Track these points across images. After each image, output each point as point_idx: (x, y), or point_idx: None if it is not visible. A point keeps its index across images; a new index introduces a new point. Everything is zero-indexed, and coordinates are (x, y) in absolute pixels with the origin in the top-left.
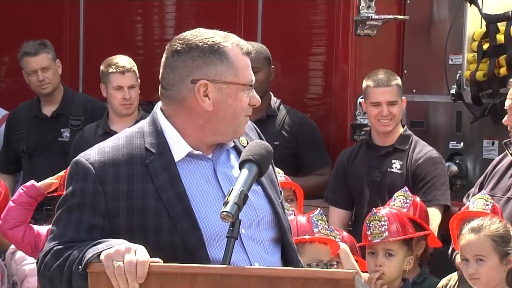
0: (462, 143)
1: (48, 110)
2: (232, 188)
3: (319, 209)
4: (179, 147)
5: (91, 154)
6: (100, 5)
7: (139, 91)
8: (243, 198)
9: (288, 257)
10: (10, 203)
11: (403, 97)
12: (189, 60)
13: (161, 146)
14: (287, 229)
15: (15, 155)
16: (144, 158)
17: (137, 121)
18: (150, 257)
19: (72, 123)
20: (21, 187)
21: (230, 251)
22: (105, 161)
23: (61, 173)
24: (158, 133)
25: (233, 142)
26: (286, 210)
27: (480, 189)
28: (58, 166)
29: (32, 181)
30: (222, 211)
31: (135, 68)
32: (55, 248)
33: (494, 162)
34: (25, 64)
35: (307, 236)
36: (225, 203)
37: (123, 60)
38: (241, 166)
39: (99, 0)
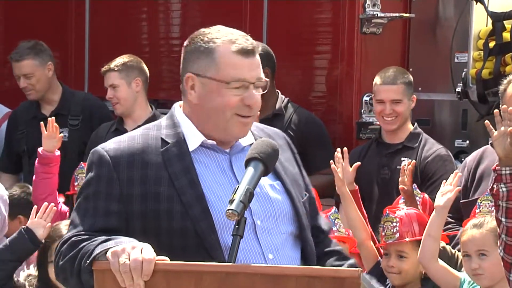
0: (467, 141)
1: (47, 110)
2: (238, 186)
3: (334, 207)
4: (193, 138)
5: (107, 144)
6: (105, 4)
7: (132, 89)
8: (249, 196)
9: (306, 255)
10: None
11: (413, 96)
12: (187, 54)
13: (177, 137)
14: (306, 227)
15: (17, 155)
16: (159, 147)
17: (148, 119)
18: (159, 253)
19: (70, 122)
20: None
21: (235, 249)
22: (120, 149)
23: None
24: (174, 125)
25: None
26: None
27: (464, 196)
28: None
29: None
30: (228, 209)
31: (126, 65)
32: (72, 238)
33: (470, 166)
34: (13, 68)
35: None
36: (231, 201)
37: (116, 60)
38: (246, 164)
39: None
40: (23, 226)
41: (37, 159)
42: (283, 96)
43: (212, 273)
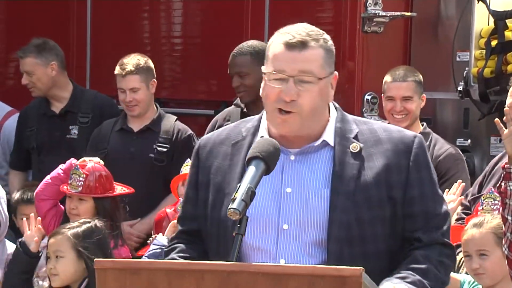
0: (469, 140)
1: (56, 107)
2: (240, 185)
3: None
4: (261, 133)
5: (207, 134)
6: (107, 3)
7: (149, 91)
8: (250, 195)
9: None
10: (47, 179)
11: (423, 95)
12: None
13: (252, 130)
14: (338, 239)
15: (26, 152)
16: (235, 139)
17: (153, 120)
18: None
19: (80, 120)
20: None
21: (237, 247)
22: (208, 139)
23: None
24: (258, 119)
25: (327, 141)
26: None
27: (479, 189)
28: (64, 161)
29: (72, 159)
30: (229, 208)
31: (143, 68)
32: (168, 246)
33: (493, 161)
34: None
35: None
36: (233, 200)
37: (131, 61)
38: (248, 163)
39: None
40: (20, 239)
41: (66, 165)
42: None
43: (213, 272)
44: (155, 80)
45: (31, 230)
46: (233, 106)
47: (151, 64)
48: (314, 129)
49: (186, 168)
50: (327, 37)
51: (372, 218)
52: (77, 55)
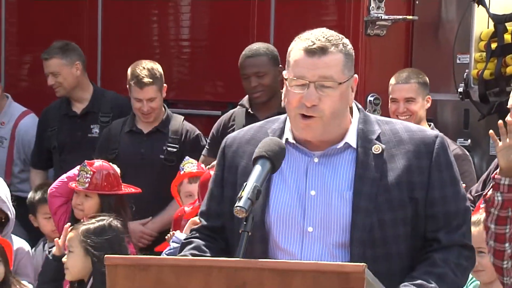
0: (469, 140)
1: (77, 108)
2: (246, 184)
3: None
4: (286, 135)
5: (235, 131)
6: (117, 5)
7: (162, 97)
8: (256, 193)
9: None
10: (63, 177)
11: (428, 96)
12: None
13: (277, 132)
14: (360, 241)
15: (47, 151)
16: (261, 140)
17: (162, 121)
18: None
19: (101, 119)
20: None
21: (244, 244)
22: (234, 138)
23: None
24: (283, 121)
25: (350, 143)
26: None
27: (483, 186)
28: (83, 160)
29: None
30: (236, 206)
31: (158, 77)
32: (186, 239)
33: (496, 160)
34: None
35: None
36: (239, 199)
37: (146, 72)
38: (254, 162)
39: (116, 0)
40: (49, 249)
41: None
42: None
43: (221, 268)
44: (165, 85)
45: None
46: (238, 106)
47: (161, 70)
48: (336, 131)
49: (186, 165)
50: (346, 41)
51: (394, 220)
52: (88, 55)
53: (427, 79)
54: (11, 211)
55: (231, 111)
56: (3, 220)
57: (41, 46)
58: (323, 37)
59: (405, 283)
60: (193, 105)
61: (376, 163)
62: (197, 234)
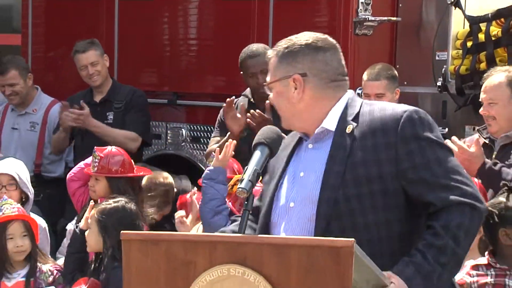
0: (446, 129)
1: (98, 97)
2: (247, 168)
3: None
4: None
5: None
6: (132, 6)
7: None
8: (256, 176)
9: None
10: (81, 164)
11: (397, 89)
12: None
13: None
14: (327, 215)
15: (70, 135)
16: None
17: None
18: None
19: (115, 106)
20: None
21: (245, 222)
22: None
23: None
24: None
25: (327, 127)
26: None
27: None
28: (105, 145)
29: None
30: (238, 187)
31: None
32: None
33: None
34: (77, 61)
35: None
36: (241, 181)
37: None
38: (254, 148)
39: (131, 0)
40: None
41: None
42: None
43: (225, 243)
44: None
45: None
46: (242, 96)
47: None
48: (310, 120)
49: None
50: (297, 43)
51: (359, 194)
52: (106, 50)
53: (396, 72)
54: (30, 192)
55: (235, 100)
56: (23, 200)
57: (63, 44)
58: (277, 45)
59: (405, 259)
60: (198, 97)
61: (347, 143)
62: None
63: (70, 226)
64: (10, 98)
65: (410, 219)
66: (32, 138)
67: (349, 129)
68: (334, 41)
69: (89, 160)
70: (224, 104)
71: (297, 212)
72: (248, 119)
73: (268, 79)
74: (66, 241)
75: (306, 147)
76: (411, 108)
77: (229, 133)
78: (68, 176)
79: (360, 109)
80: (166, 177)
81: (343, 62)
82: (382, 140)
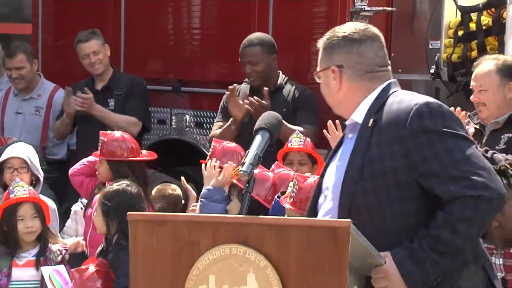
0: None
1: (99, 85)
2: (248, 152)
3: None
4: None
5: None
6: (138, 1)
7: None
8: (257, 160)
9: None
10: (84, 161)
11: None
12: None
13: None
14: (344, 206)
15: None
16: None
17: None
18: None
19: (116, 93)
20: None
21: (246, 203)
22: None
23: None
24: None
25: (355, 120)
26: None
27: None
28: (106, 130)
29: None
30: (240, 170)
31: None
32: None
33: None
34: (79, 50)
35: None
36: (242, 164)
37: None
38: (255, 133)
39: None
40: None
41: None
42: (284, 75)
43: (228, 224)
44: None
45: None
46: (244, 82)
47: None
48: (345, 112)
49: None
50: (335, 35)
51: (376, 188)
52: (113, 43)
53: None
54: (40, 174)
55: (237, 86)
56: (33, 182)
57: (72, 34)
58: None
59: (404, 243)
60: (201, 84)
61: (368, 136)
62: None
63: (75, 207)
64: (16, 82)
65: (427, 210)
66: (37, 122)
67: (370, 123)
68: (373, 32)
69: (91, 158)
70: (227, 91)
71: (326, 202)
72: (246, 106)
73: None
74: (70, 222)
75: (347, 136)
76: (423, 100)
77: (231, 119)
78: (70, 171)
79: (385, 101)
80: (174, 189)
81: (383, 52)
82: (394, 134)
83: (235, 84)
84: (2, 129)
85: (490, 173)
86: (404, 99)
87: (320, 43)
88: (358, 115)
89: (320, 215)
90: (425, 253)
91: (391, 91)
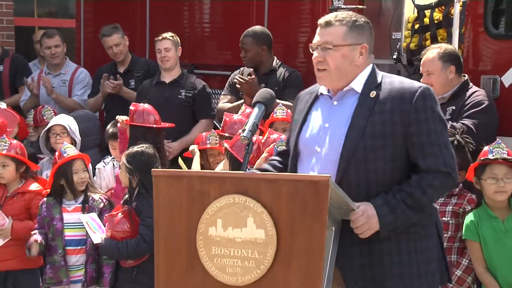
0: None
1: (121, 69)
2: (248, 121)
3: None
4: (321, 90)
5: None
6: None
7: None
8: (255, 127)
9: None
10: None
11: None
12: None
13: (318, 87)
14: (346, 158)
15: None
16: (310, 91)
17: (179, 75)
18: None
19: (136, 75)
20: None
21: (246, 162)
22: (303, 92)
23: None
24: None
25: (354, 88)
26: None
27: None
28: (128, 107)
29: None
30: (241, 136)
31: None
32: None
33: None
34: (104, 42)
35: None
36: (243, 130)
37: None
38: (253, 106)
39: None
40: None
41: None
42: (278, 60)
43: (231, 178)
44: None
45: None
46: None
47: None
48: (344, 81)
49: (210, 137)
50: (358, 19)
51: (375, 146)
52: (140, 35)
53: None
54: (77, 138)
55: (241, 68)
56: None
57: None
58: (334, 16)
59: (380, 194)
60: (211, 68)
61: (370, 104)
62: (277, 157)
63: (99, 166)
64: (54, 57)
65: (407, 170)
66: (63, 91)
67: (372, 94)
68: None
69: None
70: (234, 72)
71: (323, 155)
72: (237, 85)
73: (320, 40)
74: (95, 179)
75: (331, 104)
76: (425, 85)
77: (243, 99)
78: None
79: (382, 79)
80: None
81: None
82: (398, 107)
83: (253, 76)
84: (38, 99)
85: (455, 159)
86: (404, 81)
87: (337, 22)
88: (357, 85)
89: (312, 168)
90: (397, 203)
91: (379, 72)
